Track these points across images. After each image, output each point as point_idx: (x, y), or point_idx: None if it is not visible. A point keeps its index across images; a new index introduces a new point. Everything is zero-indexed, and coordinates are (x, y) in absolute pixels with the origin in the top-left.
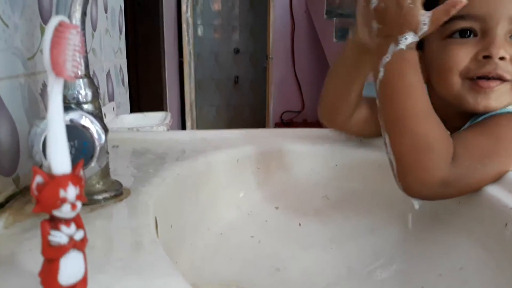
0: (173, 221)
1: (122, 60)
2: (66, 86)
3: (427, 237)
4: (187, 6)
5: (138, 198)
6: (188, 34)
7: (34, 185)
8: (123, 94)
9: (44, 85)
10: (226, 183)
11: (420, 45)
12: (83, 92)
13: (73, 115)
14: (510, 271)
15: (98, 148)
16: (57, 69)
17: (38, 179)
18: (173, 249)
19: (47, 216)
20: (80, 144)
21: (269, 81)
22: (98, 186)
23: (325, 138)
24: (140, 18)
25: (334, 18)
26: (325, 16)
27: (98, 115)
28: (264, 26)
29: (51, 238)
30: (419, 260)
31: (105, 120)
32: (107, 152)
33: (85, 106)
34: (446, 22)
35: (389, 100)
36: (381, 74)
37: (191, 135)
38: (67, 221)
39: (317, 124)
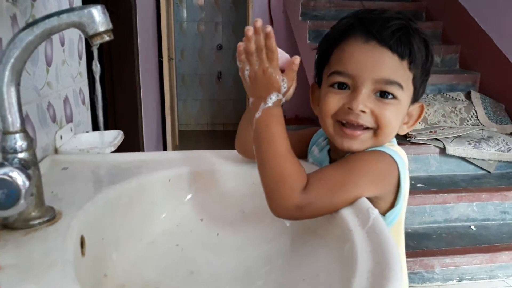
0: (104, 235)
1: (82, 83)
2: (5, 139)
3: (304, 248)
4: (167, 4)
5: (68, 222)
6: (168, 32)
7: None
8: (83, 113)
9: None
10: (158, 199)
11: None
12: (19, 143)
13: (5, 170)
14: (346, 280)
15: (23, 191)
16: None
17: None
18: (103, 257)
19: None
20: (9, 191)
21: None
22: (34, 214)
23: (246, 160)
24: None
25: (308, 20)
26: (300, 17)
27: (29, 161)
28: (246, 23)
29: None
30: (295, 266)
31: (60, 142)
32: (32, 194)
33: (20, 155)
34: (330, 74)
35: (257, 146)
36: (254, 126)
37: (133, 157)
38: None
39: (309, 121)
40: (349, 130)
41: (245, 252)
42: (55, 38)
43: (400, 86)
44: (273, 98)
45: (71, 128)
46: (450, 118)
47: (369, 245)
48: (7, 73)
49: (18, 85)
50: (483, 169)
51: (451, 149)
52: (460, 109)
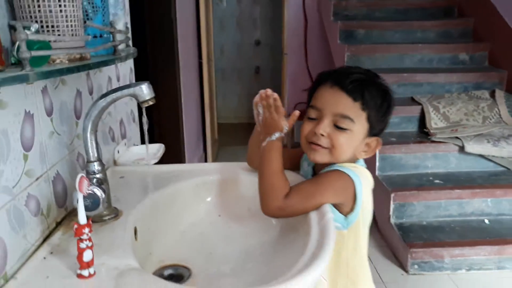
0: (150, 226)
1: (132, 105)
2: (88, 166)
3: (286, 237)
4: (206, 5)
5: (126, 217)
6: (207, 35)
7: (74, 228)
8: (133, 129)
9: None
10: (188, 200)
11: None
12: (97, 168)
13: (92, 188)
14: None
15: (101, 200)
16: (80, 189)
17: (75, 226)
18: (149, 242)
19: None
20: (94, 201)
21: (284, 75)
22: (105, 213)
23: (253, 170)
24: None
25: (339, 21)
26: (332, 17)
27: (103, 179)
28: (282, 19)
29: (80, 245)
30: (278, 249)
31: (118, 155)
32: (106, 201)
33: (98, 175)
34: (308, 107)
35: (260, 165)
36: (260, 151)
37: (171, 168)
38: (85, 240)
39: None
40: (314, 145)
41: (248, 240)
42: (113, 76)
43: (352, 120)
44: (277, 135)
45: (125, 143)
46: (473, 116)
47: (317, 235)
48: (89, 125)
49: (96, 132)
50: (503, 166)
51: (470, 147)
52: (483, 107)
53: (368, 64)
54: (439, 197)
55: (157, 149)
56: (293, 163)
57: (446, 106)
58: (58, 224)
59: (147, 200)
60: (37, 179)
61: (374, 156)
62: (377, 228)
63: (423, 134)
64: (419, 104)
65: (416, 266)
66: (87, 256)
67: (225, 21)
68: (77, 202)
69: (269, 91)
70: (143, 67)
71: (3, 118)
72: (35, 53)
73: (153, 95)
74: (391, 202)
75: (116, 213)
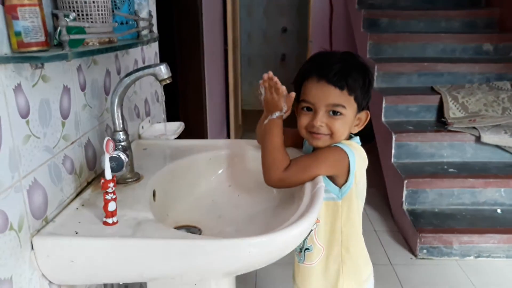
0: (167, 191)
1: (157, 86)
2: (115, 135)
3: (285, 203)
4: None
5: (146, 181)
6: (233, 21)
7: (101, 182)
8: (157, 108)
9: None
10: (202, 171)
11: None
12: (122, 137)
13: (116, 153)
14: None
15: (125, 163)
16: (107, 150)
17: (102, 180)
18: (166, 205)
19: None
20: (119, 163)
21: None
22: (128, 176)
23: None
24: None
25: (363, 10)
26: (356, 6)
27: (127, 147)
28: (308, 7)
29: (106, 197)
30: (278, 212)
31: (142, 130)
32: (129, 165)
33: (122, 143)
34: (300, 101)
35: (262, 140)
36: (263, 128)
37: (188, 143)
38: (110, 193)
39: None
40: (315, 134)
41: (253, 207)
42: (139, 59)
43: (343, 106)
44: (277, 114)
45: (149, 120)
46: (492, 107)
47: (308, 200)
48: (116, 100)
49: (121, 106)
50: None
51: (486, 137)
52: (503, 98)
53: (390, 53)
54: (452, 185)
55: (177, 126)
56: (295, 141)
57: (465, 96)
58: (89, 184)
59: (165, 168)
60: (72, 143)
61: (390, 143)
62: (391, 213)
63: (441, 123)
64: (438, 93)
65: (425, 251)
66: (111, 206)
67: (252, 8)
68: (104, 161)
69: (270, 73)
70: (169, 52)
71: (47, 90)
72: (73, 36)
73: (170, 74)
74: (404, 189)
75: (138, 177)
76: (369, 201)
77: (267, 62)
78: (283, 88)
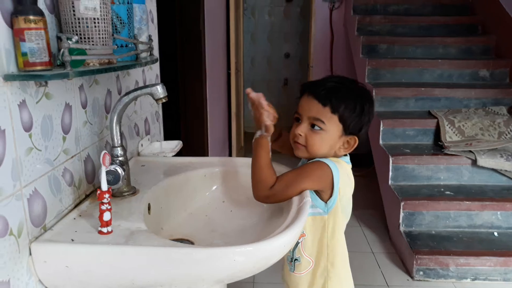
0: (162, 205)
1: (157, 107)
2: (113, 150)
3: (274, 217)
4: (237, 20)
5: (142, 195)
6: (237, 45)
7: (98, 192)
8: (156, 128)
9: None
10: (197, 187)
11: None
12: (119, 152)
13: (113, 167)
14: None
15: (121, 177)
16: (103, 163)
17: (98, 191)
18: (161, 218)
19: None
20: (116, 177)
21: None
22: (125, 189)
23: None
24: (184, 45)
25: (362, 36)
26: (356, 32)
27: (124, 161)
28: (309, 33)
29: (102, 207)
30: (267, 225)
31: (141, 148)
32: (125, 179)
33: (120, 158)
34: (294, 113)
35: (251, 161)
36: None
37: (185, 160)
38: (106, 203)
39: None
40: (296, 143)
41: (245, 221)
42: (140, 80)
43: (322, 122)
44: (258, 133)
45: (148, 138)
46: (488, 131)
47: (294, 213)
48: (115, 117)
49: (120, 123)
50: None
51: (483, 161)
52: (499, 123)
53: (388, 78)
54: (449, 207)
55: (175, 144)
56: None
57: (462, 120)
58: (87, 196)
59: (161, 183)
60: (72, 157)
61: (388, 166)
62: (388, 235)
63: (438, 147)
64: (435, 117)
65: (421, 273)
66: (106, 216)
67: (256, 34)
68: (101, 174)
69: (248, 90)
70: (171, 75)
71: (49, 106)
72: (74, 57)
73: (166, 94)
74: (401, 210)
75: (134, 191)
76: (367, 222)
77: (270, 87)
78: (258, 104)
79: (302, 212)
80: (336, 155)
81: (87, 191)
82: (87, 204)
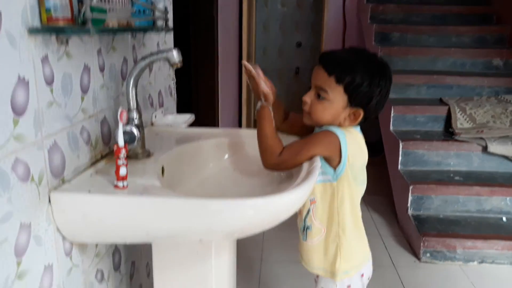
0: (175, 170)
1: (171, 81)
2: (129, 113)
3: (285, 182)
4: (249, 9)
5: (156, 158)
6: (249, 35)
7: (114, 148)
8: (170, 102)
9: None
10: (208, 156)
11: None
12: (135, 115)
13: (129, 127)
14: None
15: (137, 137)
16: (120, 119)
17: (115, 147)
18: (174, 182)
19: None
20: (132, 137)
21: None
22: (140, 151)
23: None
24: (199, 33)
25: (375, 24)
26: (369, 21)
27: (139, 125)
28: (322, 23)
29: (118, 162)
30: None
31: (155, 119)
32: (140, 140)
33: (135, 121)
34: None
35: (257, 129)
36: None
37: (197, 130)
38: (122, 159)
39: None
40: (303, 110)
41: (256, 187)
42: (155, 49)
43: (326, 91)
44: (259, 104)
45: (162, 111)
46: (500, 119)
47: (304, 174)
48: (131, 81)
49: (136, 87)
50: None
51: (493, 147)
52: (511, 111)
53: (400, 65)
54: (458, 192)
55: (188, 117)
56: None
57: (473, 108)
58: (103, 157)
59: (174, 149)
60: (89, 117)
61: (398, 151)
62: (396, 220)
63: (448, 134)
64: (447, 105)
65: (428, 255)
66: (122, 171)
67: (268, 24)
68: (118, 129)
69: (244, 61)
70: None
71: (69, 65)
72: (96, 15)
73: (181, 59)
74: (410, 194)
75: (148, 154)
76: (375, 208)
77: (281, 75)
78: (254, 74)
79: (312, 173)
80: (340, 126)
81: (103, 152)
82: (103, 164)
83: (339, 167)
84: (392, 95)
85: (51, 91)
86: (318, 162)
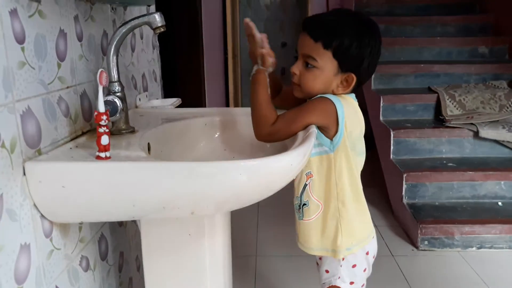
0: (162, 149)
1: (155, 66)
2: (111, 85)
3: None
4: (233, 6)
5: (141, 134)
6: (233, 30)
7: (95, 114)
8: (155, 87)
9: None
10: (198, 135)
11: None
12: (117, 88)
13: (111, 97)
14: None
15: (119, 108)
16: (100, 82)
17: (95, 113)
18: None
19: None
20: (113, 108)
21: None
22: (123, 127)
23: None
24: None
25: None
26: None
27: (122, 97)
28: None
29: (99, 130)
30: None
31: (139, 102)
32: (123, 110)
33: (118, 94)
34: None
35: (250, 98)
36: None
37: (185, 110)
38: (103, 126)
39: None
40: (292, 84)
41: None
42: (137, 32)
43: (314, 59)
44: (255, 68)
45: (146, 95)
46: (489, 104)
47: (301, 140)
48: (112, 49)
49: (117, 56)
50: None
51: (484, 132)
52: (500, 96)
53: (387, 57)
54: (452, 178)
55: (174, 101)
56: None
57: (462, 94)
58: (84, 133)
59: (161, 127)
60: (67, 87)
61: (389, 140)
62: (391, 211)
63: (439, 121)
64: (435, 93)
65: (426, 242)
66: (104, 140)
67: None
68: (98, 93)
69: (246, 19)
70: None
71: (43, 26)
72: None
73: (164, 23)
74: (404, 183)
75: (133, 130)
76: (368, 199)
77: None
78: (258, 36)
79: (309, 138)
80: (334, 94)
81: (84, 129)
82: (84, 139)
83: (336, 136)
84: (380, 86)
85: (22, 50)
86: (314, 129)
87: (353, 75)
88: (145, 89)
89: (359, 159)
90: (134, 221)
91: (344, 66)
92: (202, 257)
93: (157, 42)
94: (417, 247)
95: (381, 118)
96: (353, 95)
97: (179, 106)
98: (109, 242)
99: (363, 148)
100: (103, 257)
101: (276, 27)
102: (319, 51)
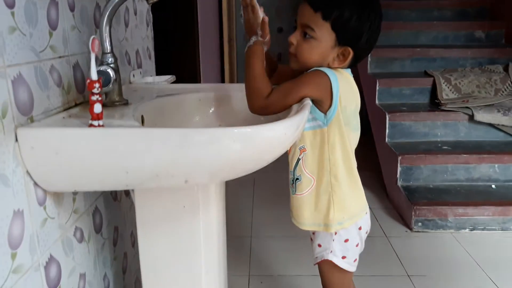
0: (157, 123)
1: (149, 43)
2: (103, 56)
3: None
4: None
5: (135, 106)
6: (229, 14)
7: (87, 82)
8: (149, 65)
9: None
10: (193, 110)
11: None
12: (110, 59)
13: (105, 67)
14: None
15: (112, 79)
16: (92, 49)
17: (88, 80)
18: None
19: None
20: (106, 78)
21: None
22: (116, 98)
23: None
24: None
25: None
26: None
27: (115, 68)
28: None
29: (92, 97)
30: None
31: (133, 78)
32: (116, 82)
33: (112, 65)
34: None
35: (245, 70)
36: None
37: (179, 86)
38: (96, 94)
39: None
40: (289, 54)
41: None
42: (130, 7)
43: (312, 29)
44: (253, 39)
45: (140, 72)
46: (485, 88)
47: (295, 111)
48: (105, 19)
49: (110, 27)
50: None
51: (479, 116)
52: (496, 80)
53: (383, 41)
54: (446, 161)
55: (168, 77)
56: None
57: (458, 78)
58: (77, 105)
59: (155, 101)
60: (60, 57)
61: (384, 123)
62: (386, 194)
63: (435, 105)
64: (431, 76)
65: (419, 224)
66: (97, 108)
67: None
68: (90, 61)
69: None
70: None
71: None
72: None
73: None
74: (398, 165)
75: (126, 102)
76: (364, 182)
77: None
78: (257, 7)
79: (303, 110)
80: (330, 68)
81: (77, 100)
82: (77, 110)
83: (330, 110)
84: (376, 70)
85: (12, 14)
86: (309, 101)
87: (350, 49)
88: (139, 66)
89: (354, 134)
90: (128, 196)
91: (342, 39)
92: (196, 230)
93: (151, 16)
94: (410, 229)
95: (377, 101)
96: (349, 70)
97: (173, 83)
98: (104, 215)
99: (358, 124)
100: (98, 230)
101: (272, 12)
102: (318, 22)
